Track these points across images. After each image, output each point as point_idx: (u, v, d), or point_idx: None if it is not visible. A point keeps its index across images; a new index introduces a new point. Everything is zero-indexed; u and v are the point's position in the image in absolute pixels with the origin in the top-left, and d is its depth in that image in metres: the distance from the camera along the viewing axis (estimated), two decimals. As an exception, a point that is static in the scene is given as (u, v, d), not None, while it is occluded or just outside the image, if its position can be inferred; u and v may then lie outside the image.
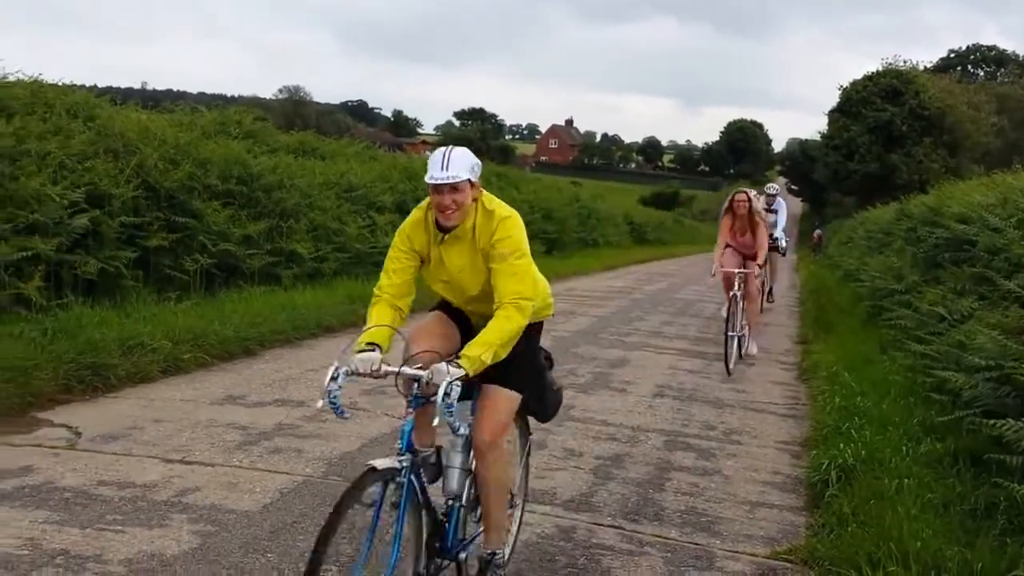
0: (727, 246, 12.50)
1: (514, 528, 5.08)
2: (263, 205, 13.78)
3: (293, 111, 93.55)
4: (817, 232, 54.36)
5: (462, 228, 4.37)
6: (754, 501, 6.49)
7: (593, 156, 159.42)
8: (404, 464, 3.98)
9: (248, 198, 13.48)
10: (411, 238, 4.52)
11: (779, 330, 16.04)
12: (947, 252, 11.14)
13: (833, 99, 66.40)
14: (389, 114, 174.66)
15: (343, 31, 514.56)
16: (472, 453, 4.47)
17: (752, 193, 13.91)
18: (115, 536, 5.05)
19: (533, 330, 4.72)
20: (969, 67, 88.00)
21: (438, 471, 4.49)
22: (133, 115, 13.37)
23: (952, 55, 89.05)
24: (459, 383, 3.88)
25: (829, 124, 65.01)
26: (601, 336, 13.98)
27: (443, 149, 4.29)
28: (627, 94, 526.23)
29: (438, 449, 4.52)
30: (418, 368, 4.08)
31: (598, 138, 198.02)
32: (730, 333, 11.65)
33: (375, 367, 4.09)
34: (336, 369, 3.96)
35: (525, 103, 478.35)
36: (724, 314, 12.24)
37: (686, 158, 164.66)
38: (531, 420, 5.12)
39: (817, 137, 72.11)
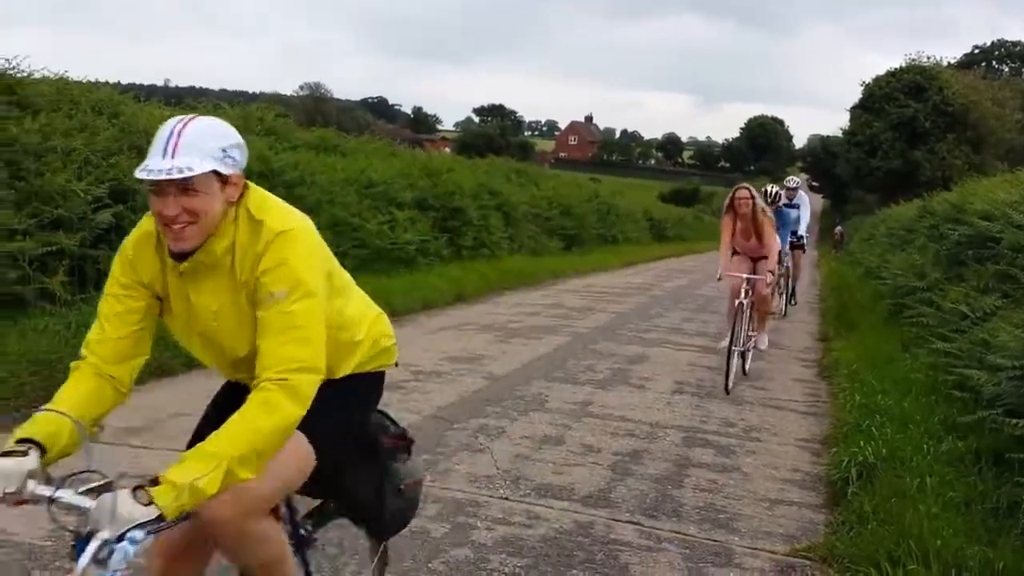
0: (734, 252, 11.09)
1: None
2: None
3: (314, 108, 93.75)
4: (838, 229, 54.16)
5: (209, 252, 2.86)
6: (773, 498, 6.49)
7: (612, 152, 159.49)
8: None
9: (269, 194, 13.50)
10: (135, 265, 3.00)
11: (800, 327, 16.02)
12: (970, 250, 11.08)
13: (855, 95, 66.14)
14: (409, 111, 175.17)
15: (364, 28, 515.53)
16: None
17: (772, 187, 13.85)
18: (138, 528, 5.08)
19: (363, 386, 3.35)
20: (994, 63, 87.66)
21: None
22: (156, 112, 13.43)
23: (976, 51, 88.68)
24: (140, 535, 2.36)
25: (851, 120, 64.75)
26: (620, 332, 13.99)
27: (171, 122, 2.85)
28: (647, 90, 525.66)
29: None
30: (85, 492, 2.54)
31: (617, 135, 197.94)
32: (732, 347, 10.17)
33: (10, 487, 2.56)
34: None
35: (545, 100, 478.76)
36: (724, 344, 10.64)
37: (706, 155, 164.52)
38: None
39: (839, 133, 71.90)
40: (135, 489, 2.41)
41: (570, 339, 12.96)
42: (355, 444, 3.27)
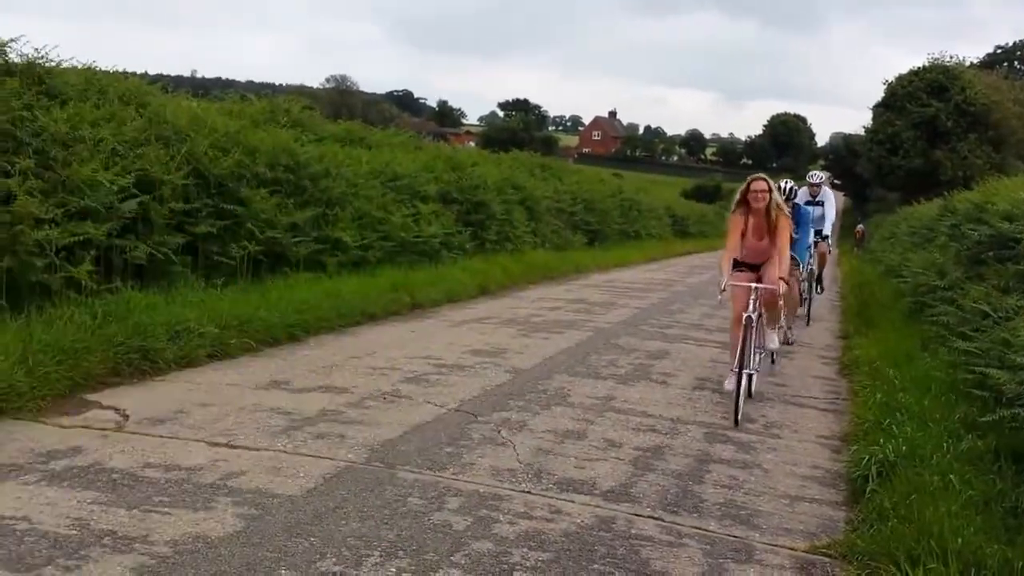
0: (735, 266, 9.49)
1: None
2: (310, 193, 13.87)
3: (340, 100, 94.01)
4: (860, 227, 53.97)
5: None
6: (793, 495, 6.48)
7: (636, 148, 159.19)
8: None
9: (295, 186, 13.57)
10: None
11: (820, 324, 15.98)
12: (991, 249, 11.03)
13: (878, 94, 65.88)
14: (434, 104, 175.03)
15: (390, 21, 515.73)
16: None
17: (788, 182, 12.46)
18: (161, 518, 5.13)
19: None
20: (1016, 63, 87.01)
21: None
22: (184, 103, 13.50)
23: (999, 51, 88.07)
24: None
25: (873, 119, 64.39)
26: (642, 328, 13.99)
27: None
28: (671, 87, 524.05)
29: None
30: None
31: (641, 130, 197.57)
32: (736, 370, 8.71)
33: None
34: None
35: (569, 95, 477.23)
36: (730, 386, 9.01)
37: (729, 151, 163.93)
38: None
39: (861, 132, 71.58)
40: None
41: (592, 334, 12.96)
42: None
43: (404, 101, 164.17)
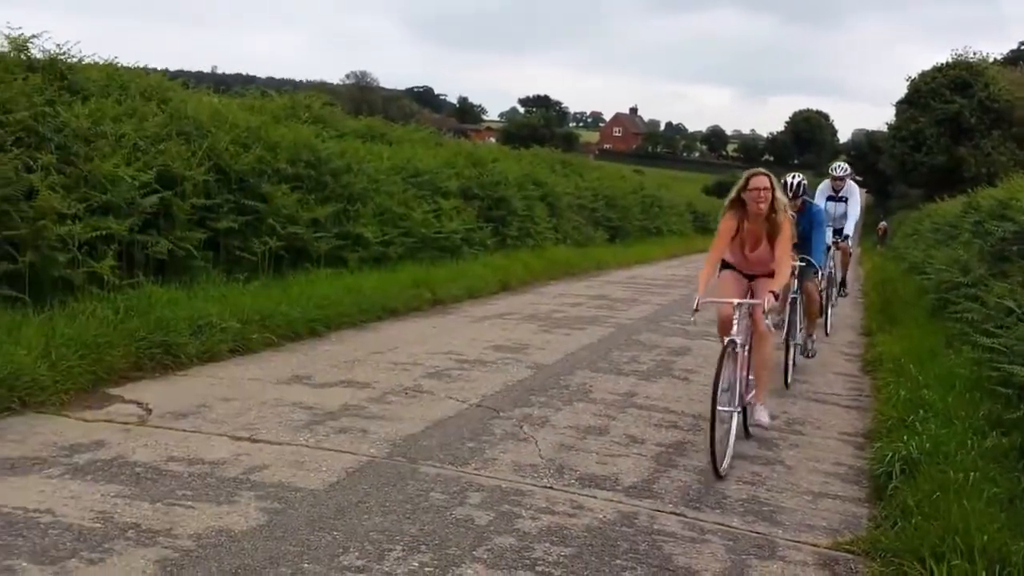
0: (724, 266, 7.97)
1: None
2: (331, 189, 13.88)
3: (360, 96, 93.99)
4: (882, 224, 53.73)
5: None
6: (816, 491, 6.45)
7: (657, 144, 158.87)
8: None
9: (316, 182, 13.59)
10: None
11: (843, 321, 15.90)
12: (1015, 246, 10.95)
13: (901, 90, 65.59)
14: (454, 100, 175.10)
15: (410, 17, 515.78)
16: None
17: (795, 177, 10.76)
18: (185, 511, 5.14)
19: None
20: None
21: None
22: (205, 99, 13.56)
23: (1022, 47, 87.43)
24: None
25: (897, 115, 64.12)
26: (663, 324, 13.96)
27: None
28: (692, 83, 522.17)
29: None
30: None
31: (662, 127, 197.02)
32: (721, 408, 6.63)
33: None
34: None
35: (590, 91, 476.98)
36: (721, 431, 6.70)
37: (750, 148, 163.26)
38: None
39: (884, 128, 71.24)
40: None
41: (614, 330, 12.93)
42: None
43: (424, 97, 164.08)
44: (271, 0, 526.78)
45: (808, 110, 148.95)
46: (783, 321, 10.55)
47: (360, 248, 14.22)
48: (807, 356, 11.33)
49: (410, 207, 16.13)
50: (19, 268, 8.40)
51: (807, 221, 10.33)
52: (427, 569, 4.61)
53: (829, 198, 14.20)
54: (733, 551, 5.25)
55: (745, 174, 7.58)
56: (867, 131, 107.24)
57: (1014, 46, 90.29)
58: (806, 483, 6.63)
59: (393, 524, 5.18)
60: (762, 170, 7.61)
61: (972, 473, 5.99)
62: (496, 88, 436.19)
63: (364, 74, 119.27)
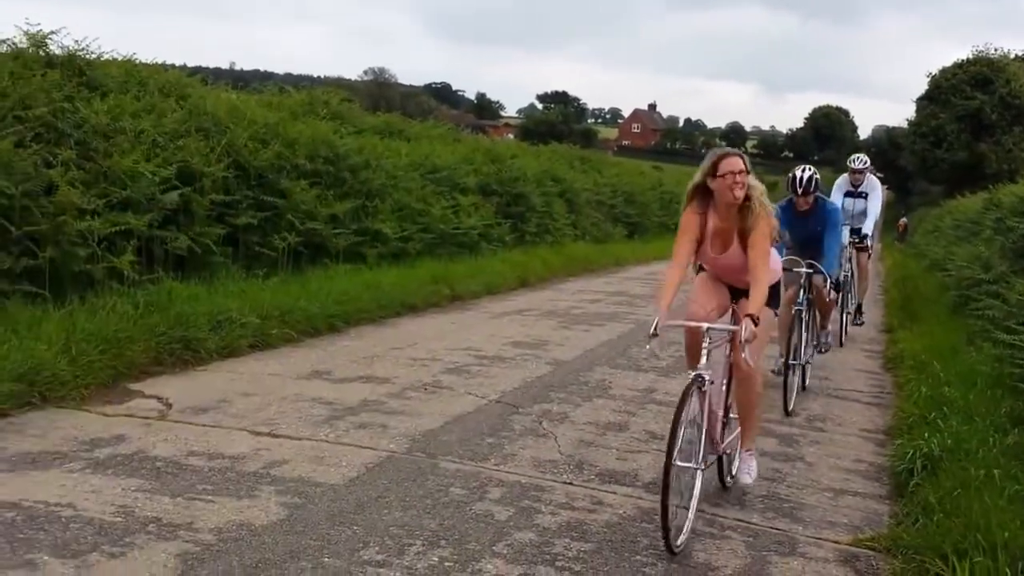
0: (700, 269, 6.24)
1: None
2: (349, 185, 13.89)
3: (378, 93, 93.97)
4: (903, 220, 53.53)
5: None
6: (837, 488, 6.42)
7: (676, 141, 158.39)
8: None
9: (335, 178, 13.60)
10: None
11: (864, 318, 15.82)
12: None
13: (921, 86, 65.31)
14: (472, 97, 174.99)
15: (428, 12, 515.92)
16: None
17: (804, 169, 9.34)
18: (205, 505, 5.15)
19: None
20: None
21: None
22: (223, 95, 13.59)
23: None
24: None
25: (917, 112, 63.83)
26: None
27: None
28: (711, 79, 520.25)
29: None
30: None
31: (681, 123, 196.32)
32: (680, 463, 5.09)
33: None
34: None
35: (608, 87, 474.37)
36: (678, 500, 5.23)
37: (769, 144, 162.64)
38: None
39: (904, 125, 70.94)
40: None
41: (633, 326, 12.89)
42: None
43: (442, 93, 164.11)
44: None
45: (828, 106, 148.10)
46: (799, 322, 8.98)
47: (379, 244, 14.22)
48: (820, 351, 10.28)
49: (428, 203, 16.14)
50: (40, 263, 8.45)
51: (819, 220, 9.18)
52: (447, 564, 4.60)
53: (847, 194, 12.74)
54: (753, 547, 5.23)
55: (711, 155, 5.87)
56: (887, 127, 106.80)
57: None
58: (827, 480, 6.59)
59: (413, 519, 5.17)
60: (733, 150, 5.99)
61: (994, 470, 5.95)
62: (514, 84, 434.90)
63: (382, 70, 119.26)
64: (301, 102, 16.37)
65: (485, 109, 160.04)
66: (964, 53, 64.92)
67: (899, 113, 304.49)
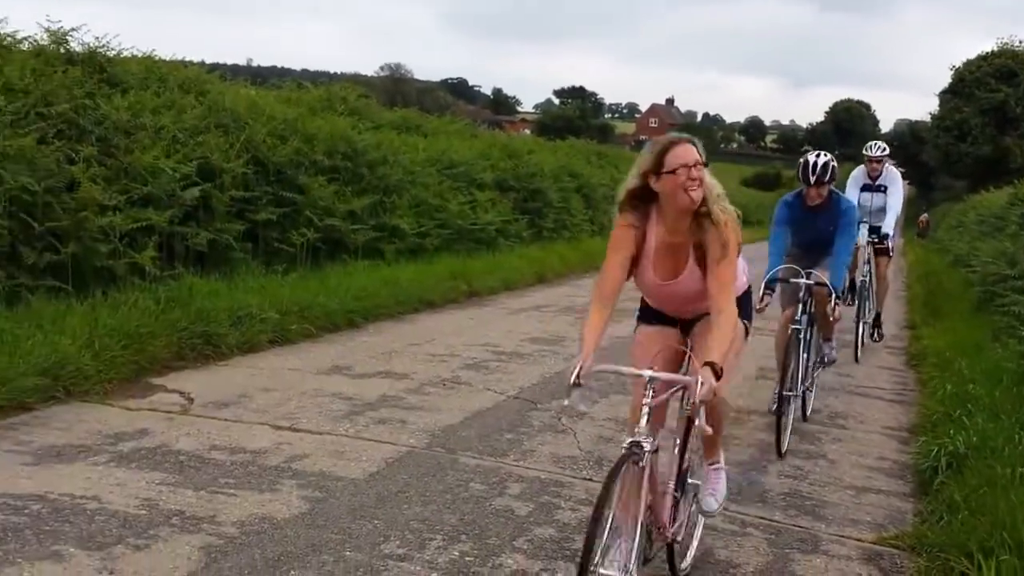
0: (644, 315, 5.17)
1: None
2: (367, 181, 13.92)
3: (394, 88, 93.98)
4: (923, 216, 53.31)
5: None
6: (860, 486, 6.42)
7: (694, 136, 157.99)
8: None
9: (353, 174, 13.63)
10: None
11: (886, 315, 15.76)
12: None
13: (944, 79, 65.10)
14: (489, 92, 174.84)
15: (444, 8, 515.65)
16: None
17: (816, 156, 7.93)
18: (227, 499, 5.19)
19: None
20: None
21: None
22: (242, 91, 13.62)
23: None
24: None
25: (940, 105, 63.56)
26: (701, 316, 13.86)
27: None
28: (730, 73, 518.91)
29: None
30: None
31: (699, 118, 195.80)
32: (604, 572, 3.78)
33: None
34: None
35: (625, 82, 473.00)
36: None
37: (789, 139, 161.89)
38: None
39: (926, 118, 70.69)
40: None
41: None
42: None
43: (459, 89, 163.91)
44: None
45: (849, 100, 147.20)
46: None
47: (397, 240, 14.25)
48: (823, 364, 8.88)
49: (446, 199, 16.16)
50: (62, 259, 8.51)
51: (831, 219, 7.80)
52: (467, 558, 4.64)
53: (864, 187, 11.11)
54: (775, 545, 5.24)
55: (652, 146, 4.33)
56: (910, 121, 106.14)
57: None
58: (849, 477, 6.59)
59: (433, 514, 5.21)
60: (683, 135, 4.40)
61: (1020, 468, 5.92)
62: (531, 79, 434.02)
63: (398, 66, 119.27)
64: (319, 98, 16.39)
65: (502, 104, 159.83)
66: (988, 45, 64.67)
67: (922, 107, 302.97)
